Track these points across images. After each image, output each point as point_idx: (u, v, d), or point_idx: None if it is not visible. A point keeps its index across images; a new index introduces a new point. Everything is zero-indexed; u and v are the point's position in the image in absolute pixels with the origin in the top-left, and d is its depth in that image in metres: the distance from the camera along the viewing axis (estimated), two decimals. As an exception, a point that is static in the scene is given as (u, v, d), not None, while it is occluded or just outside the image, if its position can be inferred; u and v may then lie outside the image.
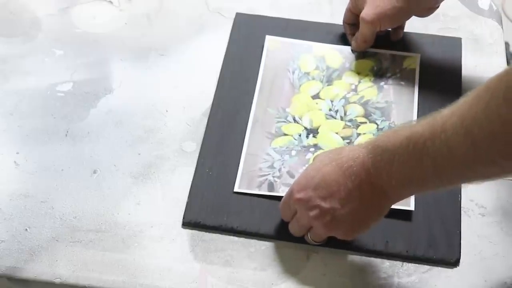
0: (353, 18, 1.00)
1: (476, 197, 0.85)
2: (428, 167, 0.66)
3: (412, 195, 0.80)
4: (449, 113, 0.64)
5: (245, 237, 0.82)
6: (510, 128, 0.58)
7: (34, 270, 0.80)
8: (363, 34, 0.97)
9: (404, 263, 0.80)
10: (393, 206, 0.81)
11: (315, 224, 0.77)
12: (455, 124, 0.63)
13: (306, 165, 0.87)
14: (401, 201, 0.81)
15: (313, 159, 0.79)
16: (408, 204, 0.83)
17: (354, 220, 0.74)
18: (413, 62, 0.98)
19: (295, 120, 0.92)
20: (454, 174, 0.67)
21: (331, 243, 0.80)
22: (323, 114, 0.93)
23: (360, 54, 0.99)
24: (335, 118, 0.93)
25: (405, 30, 1.02)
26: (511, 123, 0.58)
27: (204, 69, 0.98)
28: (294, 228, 0.81)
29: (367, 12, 0.94)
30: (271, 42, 1.00)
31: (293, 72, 0.97)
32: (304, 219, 0.77)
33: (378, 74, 0.97)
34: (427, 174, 0.67)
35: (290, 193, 0.78)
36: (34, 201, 0.85)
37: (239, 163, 0.87)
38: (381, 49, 0.99)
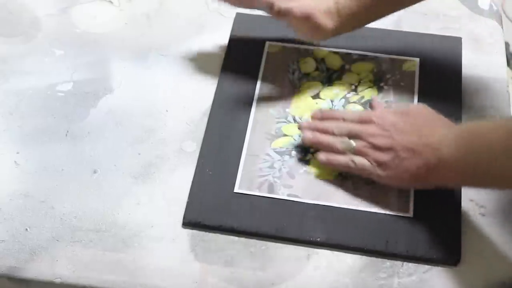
0: None
1: (476, 197, 0.85)
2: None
3: (456, 181, 0.80)
4: None
5: (245, 237, 0.82)
6: None
7: (34, 270, 0.80)
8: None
9: (404, 263, 0.80)
10: (392, 212, 0.82)
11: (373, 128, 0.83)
12: None
13: (306, 166, 0.87)
14: (400, 208, 0.83)
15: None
16: (407, 210, 0.83)
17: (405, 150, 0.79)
18: (412, 65, 0.97)
19: (295, 120, 0.92)
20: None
21: (331, 242, 0.80)
22: (323, 114, 0.93)
23: (360, 57, 0.99)
24: (335, 118, 0.92)
25: (405, 30, 1.02)
26: None
27: (204, 69, 0.98)
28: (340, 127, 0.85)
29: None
30: (272, 46, 1.00)
31: (293, 73, 0.97)
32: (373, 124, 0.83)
33: (378, 76, 0.97)
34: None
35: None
36: (34, 201, 0.85)
37: (239, 163, 0.87)
38: (380, 53, 0.99)
